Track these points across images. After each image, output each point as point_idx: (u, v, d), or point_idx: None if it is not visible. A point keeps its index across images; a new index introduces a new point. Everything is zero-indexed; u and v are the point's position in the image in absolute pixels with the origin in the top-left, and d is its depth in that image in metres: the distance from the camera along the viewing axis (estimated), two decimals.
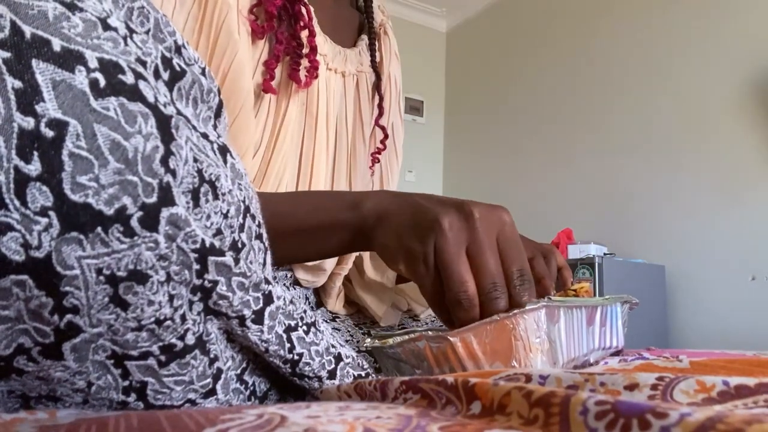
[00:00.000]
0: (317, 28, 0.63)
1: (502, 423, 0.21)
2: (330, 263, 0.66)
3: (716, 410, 0.16)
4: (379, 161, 0.77)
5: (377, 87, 0.74)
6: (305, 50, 0.60)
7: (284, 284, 0.65)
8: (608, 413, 0.18)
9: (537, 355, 0.37)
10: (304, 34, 0.60)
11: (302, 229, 0.49)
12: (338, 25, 0.70)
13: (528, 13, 3.41)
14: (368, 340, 0.46)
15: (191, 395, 0.31)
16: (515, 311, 0.38)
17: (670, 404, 0.19)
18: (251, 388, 0.38)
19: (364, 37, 0.73)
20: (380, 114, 0.74)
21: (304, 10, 0.60)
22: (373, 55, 0.74)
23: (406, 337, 0.42)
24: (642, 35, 2.69)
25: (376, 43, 0.75)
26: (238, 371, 0.36)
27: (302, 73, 0.60)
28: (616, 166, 2.71)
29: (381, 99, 0.74)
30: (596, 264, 2.17)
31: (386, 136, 0.76)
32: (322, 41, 0.64)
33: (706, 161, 2.35)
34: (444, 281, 0.40)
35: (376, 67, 0.74)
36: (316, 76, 0.61)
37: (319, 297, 0.69)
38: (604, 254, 2.36)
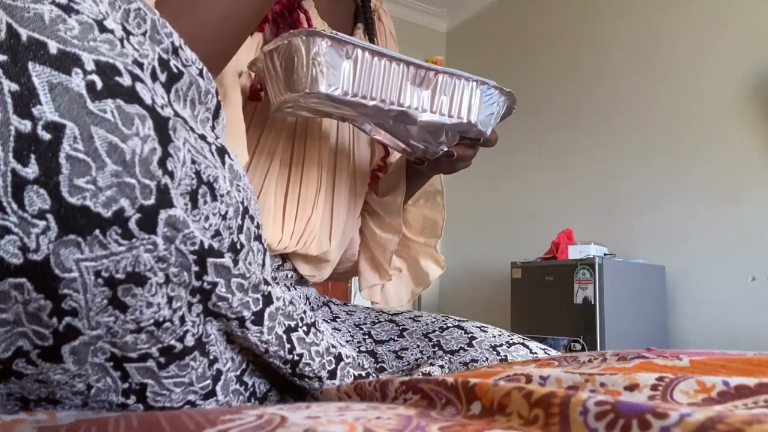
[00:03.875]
0: (315, 12, 0.63)
1: (502, 423, 0.21)
2: (334, 254, 0.66)
3: (716, 410, 0.16)
4: (379, 178, 0.76)
5: None
6: None
7: (285, 284, 0.65)
8: (608, 413, 0.18)
9: (318, 77, 0.43)
10: None
11: None
12: (336, 11, 0.69)
13: (528, 14, 3.41)
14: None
15: (191, 397, 0.31)
16: (303, 30, 0.44)
17: (670, 404, 0.19)
18: (251, 389, 0.38)
19: (360, 26, 0.73)
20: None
21: (303, 17, 0.60)
22: (371, 41, 0.73)
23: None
24: (642, 36, 2.69)
25: (373, 29, 0.74)
26: (238, 372, 0.36)
27: None
28: (616, 167, 2.71)
29: None
30: (596, 264, 2.16)
31: (387, 154, 0.76)
32: (319, 25, 0.64)
33: (706, 161, 2.35)
34: None
35: None
36: None
37: (323, 288, 0.70)
38: (604, 254, 2.36)
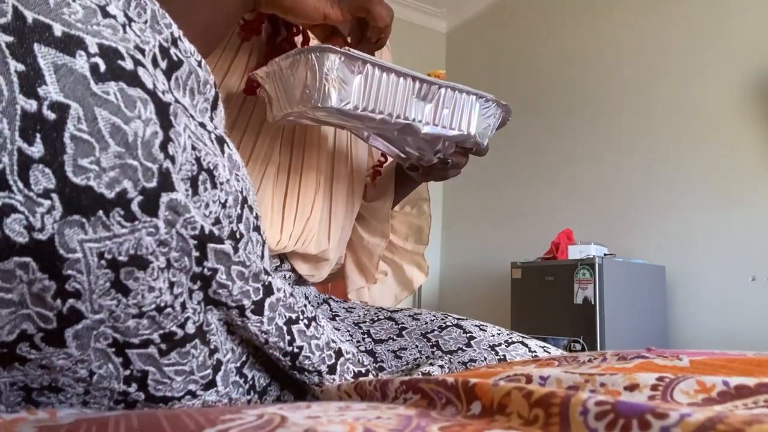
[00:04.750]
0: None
1: (502, 423, 0.21)
2: (333, 253, 0.66)
3: (716, 411, 0.16)
4: (381, 174, 0.76)
5: None
6: None
7: None
8: (608, 413, 0.18)
9: (330, 92, 0.45)
10: (298, 39, 0.60)
11: None
12: None
13: (528, 14, 3.41)
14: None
15: (191, 386, 0.31)
16: (316, 46, 0.45)
17: (670, 404, 0.19)
18: (250, 382, 0.38)
19: None
20: None
21: None
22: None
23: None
24: (642, 36, 2.69)
25: None
26: (238, 364, 0.36)
27: None
28: (616, 166, 2.71)
29: None
30: (596, 264, 2.16)
31: (384, 156, 0.76)
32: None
33: (707, 161, 2.35)
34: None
35: None
36: None
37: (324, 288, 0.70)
38: (605, 254, 2.35)
